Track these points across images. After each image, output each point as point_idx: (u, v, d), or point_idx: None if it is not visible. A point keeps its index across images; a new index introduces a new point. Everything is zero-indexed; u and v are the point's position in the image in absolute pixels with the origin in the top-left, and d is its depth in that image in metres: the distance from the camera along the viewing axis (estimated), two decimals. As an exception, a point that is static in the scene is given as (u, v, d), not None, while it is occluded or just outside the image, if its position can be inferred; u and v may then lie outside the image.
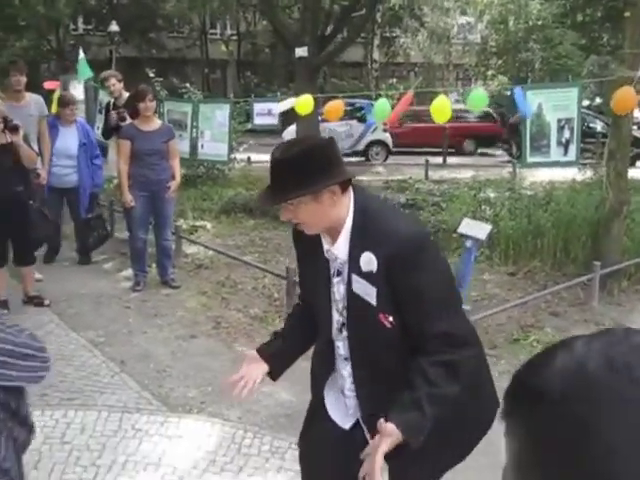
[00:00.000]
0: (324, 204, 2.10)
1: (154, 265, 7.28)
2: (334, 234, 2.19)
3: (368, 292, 2.13)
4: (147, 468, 3.69)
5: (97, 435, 4.03)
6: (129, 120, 7.06)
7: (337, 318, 2.29)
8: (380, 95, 9.51)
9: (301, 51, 16.42)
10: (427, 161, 15.31)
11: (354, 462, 2.13)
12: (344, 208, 2.14)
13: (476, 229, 5.89)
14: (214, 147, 8.98)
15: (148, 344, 5.55)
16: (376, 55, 34.47)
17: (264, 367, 2.40)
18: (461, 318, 2.19)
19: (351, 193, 2.16)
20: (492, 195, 9.56)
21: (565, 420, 0.65)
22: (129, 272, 7.28)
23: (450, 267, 2.22)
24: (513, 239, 7.79)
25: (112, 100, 8.22)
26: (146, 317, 6.19)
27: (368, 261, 2.10)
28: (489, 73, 29.92)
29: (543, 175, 11.24)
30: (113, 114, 7.78)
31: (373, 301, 2.12)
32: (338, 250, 2.19)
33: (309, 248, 2.30)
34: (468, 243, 5.86)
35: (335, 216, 2.14)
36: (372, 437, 2.11)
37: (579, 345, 0.70)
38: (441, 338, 2.07)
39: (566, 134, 6.52)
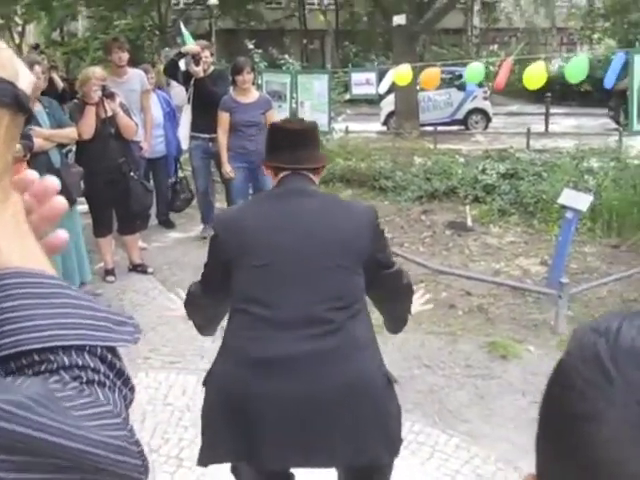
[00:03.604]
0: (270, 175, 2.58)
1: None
2: None
3: None
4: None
5: (198, 397, 4.18)
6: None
7: None
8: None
9: (399, 19, 16.17)
10: (529, 129, 14.85)
11: None
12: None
13: (577, 200, 5.73)
14: (314, 117, 8.99)
15: (246, 311, 5.68)
16: (476, 21, 33.63)
17: None
18: (200, 290, 2.57)
19: (278, 178, 2.50)
20: (596, 165, 9.22)
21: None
22: (228, 241, 7.46)
23: (212, 260, 2.46)
24: (617, 210, 7.49)
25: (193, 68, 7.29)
26: (244, 285, 6.33)
27: None
28: (595, 37, 28.66)
29: (652, 144, 10.75)
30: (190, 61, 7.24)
31: None
32: None
33: None
34: (569, 214, 5.72)
35: None
36: None
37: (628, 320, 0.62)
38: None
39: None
